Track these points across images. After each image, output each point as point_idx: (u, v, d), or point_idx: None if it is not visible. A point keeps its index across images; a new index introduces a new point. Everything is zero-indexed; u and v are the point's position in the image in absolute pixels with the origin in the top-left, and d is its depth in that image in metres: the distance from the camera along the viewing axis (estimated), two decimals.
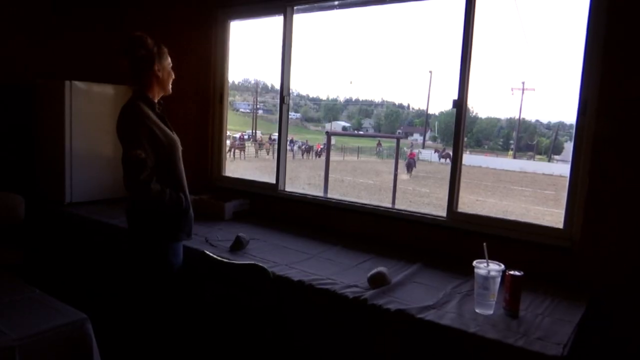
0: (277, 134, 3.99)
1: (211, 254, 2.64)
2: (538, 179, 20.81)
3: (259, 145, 26.34)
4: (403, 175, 20.34)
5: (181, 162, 2.63)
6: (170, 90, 2.67)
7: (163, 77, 2.60)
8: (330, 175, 9.42)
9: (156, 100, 2.60)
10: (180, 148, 2.63)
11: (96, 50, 4.82)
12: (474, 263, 2.21)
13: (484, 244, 2.23)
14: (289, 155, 16.22)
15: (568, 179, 2.68)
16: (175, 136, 2.61)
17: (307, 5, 3.76)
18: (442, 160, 22.66)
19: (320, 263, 2.81)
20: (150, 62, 2.53)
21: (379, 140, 27.83)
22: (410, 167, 21.13)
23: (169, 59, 2.63)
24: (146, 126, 2.43)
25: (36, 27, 4.51)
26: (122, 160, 2.40)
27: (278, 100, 3.93)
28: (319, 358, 2.44)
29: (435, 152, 23.95)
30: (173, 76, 2.66)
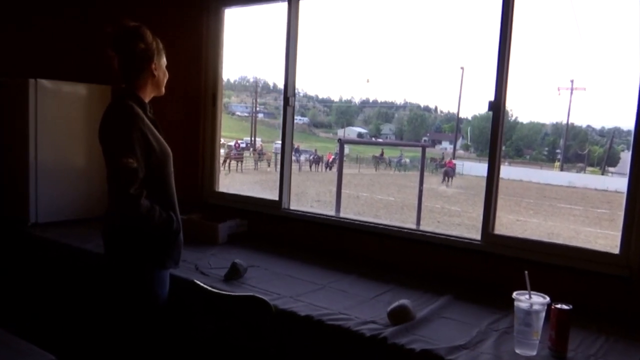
0: (280, 142, 4.01)
1: (202, 284, 2.64)
2: (589, 195, 20.77)
3: (259, 155, 26.43)
4: (441, 187, 20.47)
5: (172, 176, 2.64)
6: (163, 92, 2.69)
7: (159, 77, 2.62)
8: (343, 190, 9.41)
9: (147, 102, 2.61)
10: (172, 160, 2.64)
11: (66, 43, 4.83)
12: (514, 295, 2.21)
13: (526, 272, 2.22)
14: (295, 167, 16.23)
15: (625, 195, 2.68)
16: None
17: None
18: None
19: (332, 295, 2.81)
20: (148, 58, 2.55)
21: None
22: (447, 175, 21.27)
23: (165, 57, 2.66)
24: (140, 130, 2.43)
25: None
26: (109, 169, 2.40)
27: (281, 102, 3.95)
28: None
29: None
30: (167, 76, 2.69)
